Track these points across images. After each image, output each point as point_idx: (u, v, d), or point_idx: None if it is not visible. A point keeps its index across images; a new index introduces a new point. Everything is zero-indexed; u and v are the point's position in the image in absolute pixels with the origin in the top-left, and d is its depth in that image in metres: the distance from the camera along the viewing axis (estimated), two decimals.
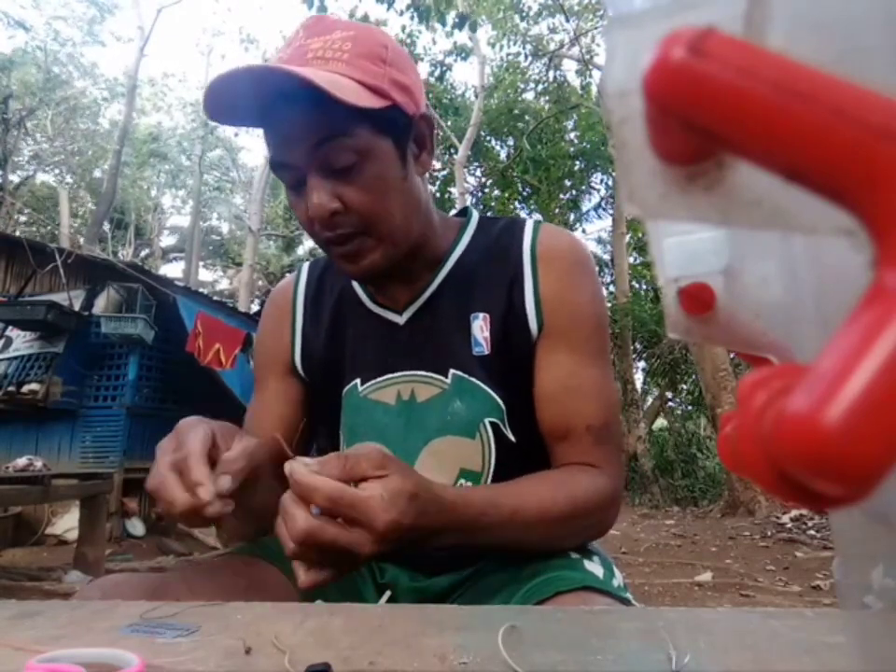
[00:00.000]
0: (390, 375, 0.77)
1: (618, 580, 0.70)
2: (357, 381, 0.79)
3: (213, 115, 0.66)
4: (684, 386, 11.99)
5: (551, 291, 0.75)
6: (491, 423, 0.74)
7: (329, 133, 0.65)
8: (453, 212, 0.95)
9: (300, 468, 0.53)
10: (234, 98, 0.64)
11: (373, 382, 0.78)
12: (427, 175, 0.78)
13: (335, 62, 0.65)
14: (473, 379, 0.74)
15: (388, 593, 0.72)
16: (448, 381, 0.75)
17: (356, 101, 0.62)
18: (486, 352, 0.75)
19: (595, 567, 0.68)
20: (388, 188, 0.69)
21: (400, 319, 0.79)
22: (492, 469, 0.73)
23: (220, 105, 0.65)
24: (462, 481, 0.73)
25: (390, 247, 0.71)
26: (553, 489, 0.67)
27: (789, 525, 5.21)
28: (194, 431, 0.58)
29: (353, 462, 0.54)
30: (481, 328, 0.75)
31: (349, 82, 0.64)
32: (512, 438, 0.74)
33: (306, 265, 0.91)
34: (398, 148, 0.70)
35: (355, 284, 0.83)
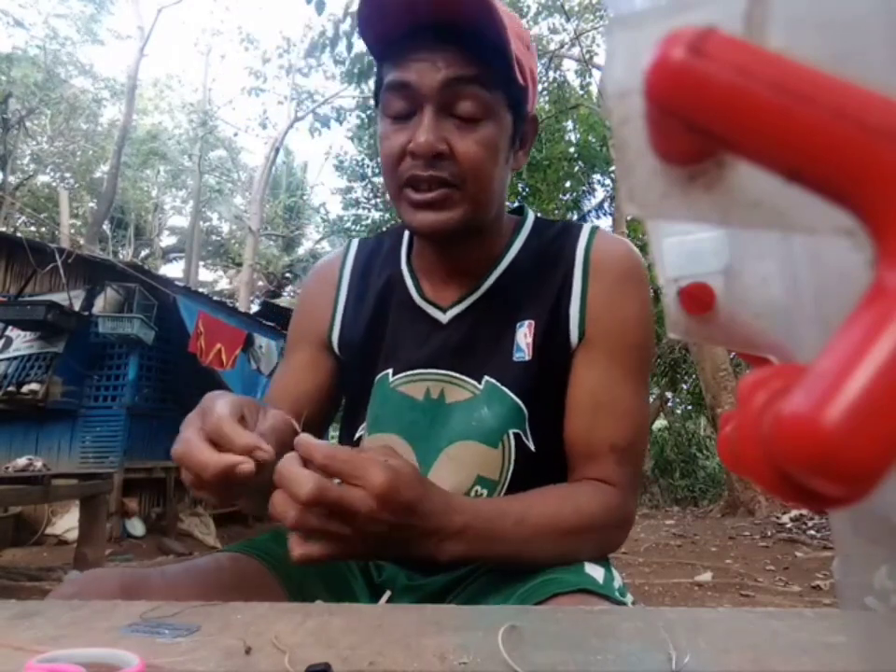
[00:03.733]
0: (422, 371, 0.75)
1: (618, 581, 0.69)
2: (390, 371, 0.77)
3: (368, 15, 0.64)
4: (684, 386, 12.00)
5: (597, 301, 0.72)
6: (514, 433, 0.72)
7: (473, 74, 0.64)
8: None
9: (298, 437, 0.54)
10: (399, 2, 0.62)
11: (405, 374, 0.76)
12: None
13: None
14: (505, 389, 0.72)
15: (388, 593, 0.72)
16: (481, 387, 0.73)
17: (517, 59, 0.63)
18: (527, 358, 0.73)
19: (594, 569, 0.68)
20: (496, 155, 0.68)
21: (444, 318, 0.77)
22: (508, 479, 0.72)
23: (382, 5, 0.63)
24: (477, 487, 0.72)
25: (471, 211, 0.69)
26: (560, 501, 0.66)
27: (789, 525, 5.21)
28: (221, 401, 0.56)
29: (358, 448, 0.56)
30: (525, 334, 0.73)
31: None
32: (532, 447, 0.73)
33: (356, 241, 0.88)
34: (512, 129, 0.69)
35: (404, 272, 0.81)
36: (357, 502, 0.51)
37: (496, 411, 0.72)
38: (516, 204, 0.87)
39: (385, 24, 0.66)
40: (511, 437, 0.72)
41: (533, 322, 0.73)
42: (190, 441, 0.53)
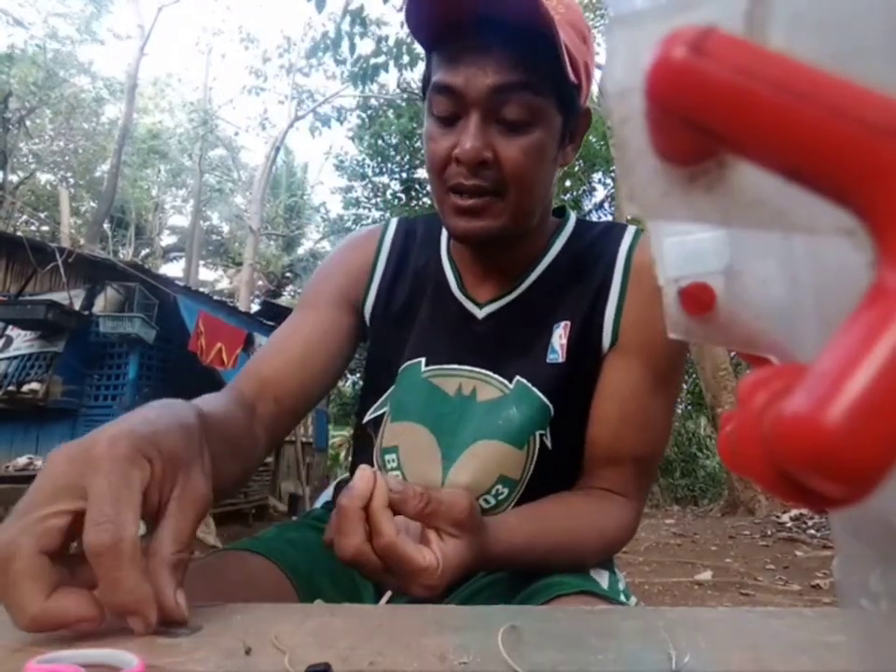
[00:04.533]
0: (457, 366, 0.75)
1: (622, 584, 0.70)
2: (423, 360, 0.76)
3: (413, 10, 0.62)
4: (684, 386, 11.99)
5: (634, 307, 0.71)
6: (540, 434, 0.72)
7: (522, 80, 0.62)
8: None
9: (380, 497, 0.51)
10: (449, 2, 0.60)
11: (439, 367, 0.75)
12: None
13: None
14: (536, 390, 0.71)
15: (389, 593, 0.72)
16: (511, 386, 0.72)
17: (571, 65, 0.60)
18: (560, 360, 0.72)
19: (599, 574, 0.68)
20: (542, 162, 0.66)
21: (480, 313, 0.76)
22: (529, 478, 0.72)
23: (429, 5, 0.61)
24: (498, 486, 0.72)
25: (512, 219, 0.67)
26: (588, 524, 0.67)
27: (789, 525, 5.21)
28: (121, 479, 0.37)
29: (433, 508, 0.53)
30: (560, 335, 0.72)
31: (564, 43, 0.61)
32: (549, 444, 0.72)
33: (395, 220, 0.87)
34: (562, 130, 0.68)
35: (444, 262, 0.80)
36: (390, 585, 0.53)
37: (524, 412, 0.71)
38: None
39: (427, 16, 0.63)
40: (538, 438, 0.71)
41: (569, 323, 0.72)
42: (21, 553, 0.35)
